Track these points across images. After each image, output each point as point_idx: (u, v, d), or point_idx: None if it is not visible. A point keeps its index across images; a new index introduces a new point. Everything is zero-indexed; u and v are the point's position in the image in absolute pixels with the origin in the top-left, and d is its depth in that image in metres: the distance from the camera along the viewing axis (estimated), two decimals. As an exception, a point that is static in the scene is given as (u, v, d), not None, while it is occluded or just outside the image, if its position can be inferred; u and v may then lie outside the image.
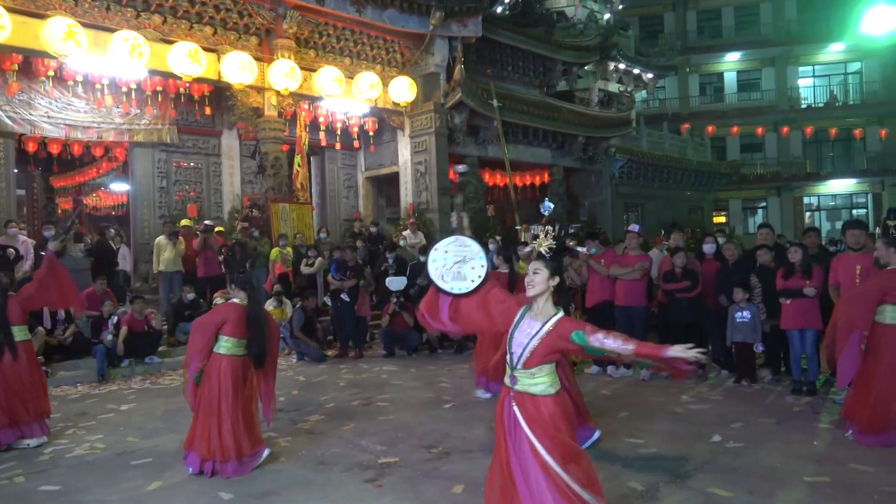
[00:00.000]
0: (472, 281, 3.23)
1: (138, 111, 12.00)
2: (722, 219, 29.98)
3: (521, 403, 3.03)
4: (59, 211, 18.18)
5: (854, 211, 30.40)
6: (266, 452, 4.86)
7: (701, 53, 31.19)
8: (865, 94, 30.26)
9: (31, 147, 11.67)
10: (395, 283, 9.93)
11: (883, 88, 29.56)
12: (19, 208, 13.51)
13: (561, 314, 3.06)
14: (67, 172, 16.53)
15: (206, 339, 4.75)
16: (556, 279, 3.10)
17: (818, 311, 6.54)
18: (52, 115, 11.29)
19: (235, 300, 4.88)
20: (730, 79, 31.93)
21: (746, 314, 7.14)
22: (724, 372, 7.63)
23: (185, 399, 4.91)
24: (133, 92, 11.09)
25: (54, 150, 12.11)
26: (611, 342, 2.87)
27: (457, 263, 3.27)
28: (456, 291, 3.25)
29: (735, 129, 26.01)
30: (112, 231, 11.60)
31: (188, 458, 4.72)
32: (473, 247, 3.30)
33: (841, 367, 5.22)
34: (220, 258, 10.40)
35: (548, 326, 3.01)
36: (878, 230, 6.66)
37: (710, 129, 25.28)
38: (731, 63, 31.74)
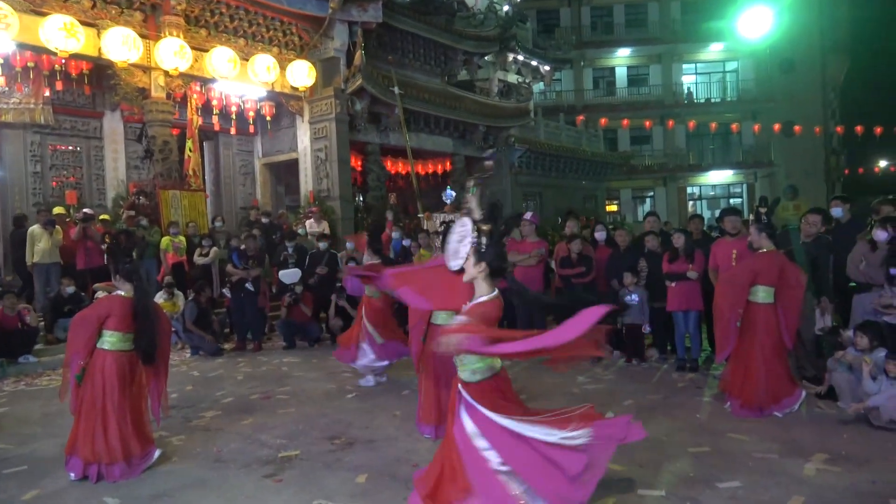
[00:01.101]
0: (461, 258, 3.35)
1: (6, 89, 10.92)
2: (614, 207, 31.48)
3: None
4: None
5: (731, 200, 32.83)
6: (157, 453, 4.61)
7: (594, 48, 32.50)
8: (741, 91, 32.65)
9: None
10: (289, 276, 9.64)
11: (756, 86, 32.03)
12: None
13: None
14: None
15: (89, 334, 4.43)
16: (483, 265, 3.26)
17: (700, 293, 7.02)
18: None
19: (120, 292, 4.58)
20: (621, 73, 33.49)
21: (635, 297, 7.53)
22: (616, 353, 8.02)
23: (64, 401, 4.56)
24: (0, 67, 10.12)
25: None
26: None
27: (458, 242, 3.40)
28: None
29: (625, 121, 27.36)
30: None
31: (70, 462, 4.39)
32: (469, 225, 3.37)
33: (718, 343, 5.66)
34: (104, 248, 9.72)
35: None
36: (751, 217, 7.19)
37: (602, 121, 26.40)
38: (621, 58, 33.28)
